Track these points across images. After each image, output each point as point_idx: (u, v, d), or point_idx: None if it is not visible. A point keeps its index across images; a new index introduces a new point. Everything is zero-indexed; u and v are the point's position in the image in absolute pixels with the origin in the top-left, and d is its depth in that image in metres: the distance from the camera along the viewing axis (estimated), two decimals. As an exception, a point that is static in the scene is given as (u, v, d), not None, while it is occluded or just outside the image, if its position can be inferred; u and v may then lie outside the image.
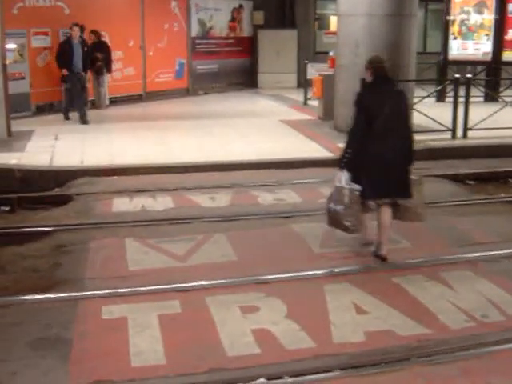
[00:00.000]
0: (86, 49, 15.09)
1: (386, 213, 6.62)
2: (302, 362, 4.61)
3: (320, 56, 19.99)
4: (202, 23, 21.17)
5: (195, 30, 20.92)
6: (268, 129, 14.02)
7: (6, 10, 13.70)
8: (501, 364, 4.65)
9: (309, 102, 17.53)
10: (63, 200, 9.16)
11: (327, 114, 14.73)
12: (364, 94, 6.90)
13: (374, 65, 6.60)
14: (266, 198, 8.94)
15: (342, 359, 4.67)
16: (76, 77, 14.78)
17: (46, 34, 15.98)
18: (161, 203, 8.76)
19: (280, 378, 4.42)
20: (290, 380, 4.41)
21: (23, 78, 15.34)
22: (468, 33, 19.96)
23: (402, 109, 6.67)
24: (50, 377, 4.46)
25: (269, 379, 4.38)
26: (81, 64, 14.83)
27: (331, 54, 15.79)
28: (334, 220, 6.56)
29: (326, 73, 15.60)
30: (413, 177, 6.60)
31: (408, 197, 6.54)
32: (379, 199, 6.62)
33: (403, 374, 4.48)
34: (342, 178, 6.43)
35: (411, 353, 4.75)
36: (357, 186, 6.42)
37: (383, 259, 6.54)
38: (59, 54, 14.88)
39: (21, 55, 15.33)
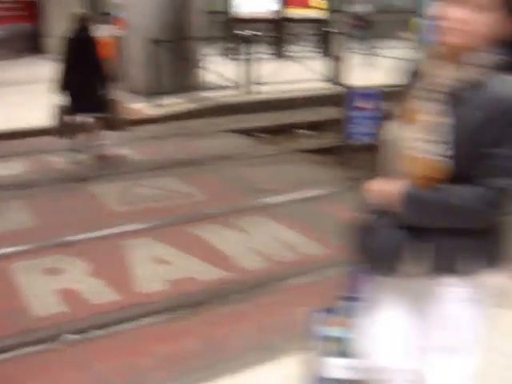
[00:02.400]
0: None
1: None
2: (108, 315, 4.72)
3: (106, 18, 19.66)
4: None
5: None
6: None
7: None
8: (291, 296, 4.99)
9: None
10: None
11: (121, 75, 14.62)
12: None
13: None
14: (61, 162, 8.84)
15: (148, 307, 4.82)
16: None
17: None
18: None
19: (87, 331, 4.51)
20: (99, 332, 4.50)
21: None
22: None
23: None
24: None
25: (76, 334, 4.46)
26: None
27: (119, 15, 15.61)
28: None
29: (116, 34, 15.41)
30: None
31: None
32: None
33: (205, 315, 4.71)
34: None
35: (213, 295, 5.00)
36: None
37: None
38: None
39: None
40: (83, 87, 8.47)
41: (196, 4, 13.52)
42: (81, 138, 8.81)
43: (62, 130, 8.66)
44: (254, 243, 6.02)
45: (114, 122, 8.76)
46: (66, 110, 8.56)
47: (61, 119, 8.57)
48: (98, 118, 8.71)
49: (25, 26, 21.53)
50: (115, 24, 15.79)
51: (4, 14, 20.86)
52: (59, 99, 8.53)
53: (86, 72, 8.52)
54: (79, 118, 8.67)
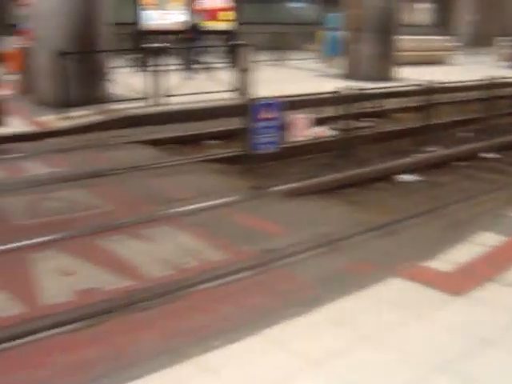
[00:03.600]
0: None
1: None
2: (12, 328, 4.71)
3: (11, 29, 19.34)
4: None
5: None
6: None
7: None
8: (196, 302, 5.11)
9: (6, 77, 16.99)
10: None
11: (29, 88, 14.47)
12: None
13: None
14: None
15: (52, 319, 4.82)
16: None
17: None
18: None
19: (-11, 345, 4.50)
20: (1, 346, 4.49)
21: None
22: (164, 3, 20.70)
23: None
24: None
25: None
26: None
27: (25, 26, 15.40)
28: None
29: (23, 46, 15.22)
30: None
31: None
32: None
33: (108, 325, 4.75)
34: None
35: (119, 303, 5.05)
36: None
37: None
38: None
39: None
40: None
41: (104, 16, 13.51)
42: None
43: None
44: (160, 252, 6.09)
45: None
46: None
47: None
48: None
49: None
50: (21, 35, 15.60)
51: None
52: None
53: None
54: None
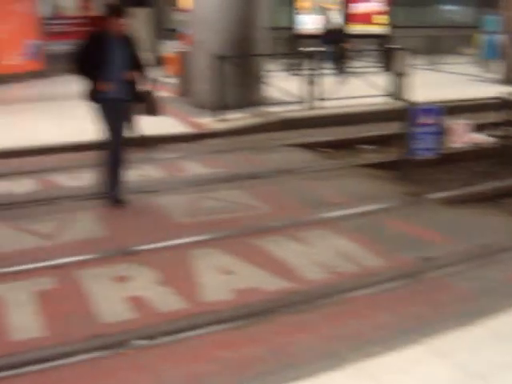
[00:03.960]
0: None
1: None
2: (176, 322, 4.88)
3: (170, 33, 20.01)
4: (52, 3, 20.75)
5: (46, 10, 20.48)
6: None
7: None
8: (354, 308, 5.10)
9: (166, 79, 17.62)
10: None
11: (187, 90, 14.93)
12: None
13: None
14: (129, 174, 9.06)
15: (214, 316, 4.96)
16: None
17: None
18: (22, 185, 8.73)
19: (155, 338, 4.67)
20: (166, 339, 4.67)
21: None
22: (318, 8, 20.76)
23: None
24: None
25: (145, 340, 4.64)
26: None
27: (184, 31, 15.93)
28: None
29: (182, 50, 15.75)
30: None
31: None
32: None
33: (270, 324, 4.84)
34: None
35: (278, 304, 5.12)
36: None
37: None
38: None
39: None
40: None
41: (261, 20, 13.72)
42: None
43: None
44: (316, 255, 6.12)
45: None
46: None
47: None
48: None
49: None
50: (181, 40, 16.13)
51: (73, 30, 21.43)
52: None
53: None
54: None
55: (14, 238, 6.77)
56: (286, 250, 6.25)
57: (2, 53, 18.86)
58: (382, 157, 10.46)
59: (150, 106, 8.36)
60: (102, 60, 7.29)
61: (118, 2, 7.78)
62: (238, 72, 13.02)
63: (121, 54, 7.37)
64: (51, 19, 20.74)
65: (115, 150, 7.60)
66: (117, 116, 7.53)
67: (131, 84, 7.54)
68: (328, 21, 19.67)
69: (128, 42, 7.49)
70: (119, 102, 7.49)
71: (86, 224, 7.15)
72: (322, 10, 18.83)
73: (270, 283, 5.53)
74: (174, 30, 17.21)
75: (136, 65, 7.56)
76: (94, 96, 7.42)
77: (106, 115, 7.47)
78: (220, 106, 12.55)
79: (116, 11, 7.31)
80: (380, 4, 21.88)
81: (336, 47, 19.26)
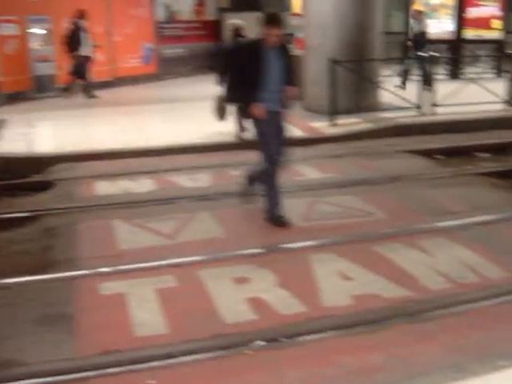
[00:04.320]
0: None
1: None
2: (295, 325, 4.92)
3: (287, 38, 20.05)
4: (167, 7, 21.25)
5: (161, 14, 21.01)
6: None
7: None
8: (476, 319, 4.99)
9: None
10: (44, 186, 9.34)
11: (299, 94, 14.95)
12: None
13: None
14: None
15: (333, 320, 4.98)
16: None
17: (12, 21, 16.11)
18: (142, 185, 9.00)
19: (276, 340, 4.73)
20: (287, 341, 4.71)
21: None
22: (431, 12, 20.43)
23: None
24: (58, 350, 4.68)
25: (266, 341, 4.69)
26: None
27: (299, 35, 15.96)
28: None
29: (297, 54, 15.77)
30: None
31: None
32: None
33: (390, 332, 4.81)
34: None
35: (397, 312, 5.09)
36: None
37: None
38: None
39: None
40: None
41: (376, 24, 13.61)
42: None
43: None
44: (436, 264, 6.03)
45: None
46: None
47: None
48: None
49: (204, 45, 22.44)
50: (296, 44, 16.16)
51: (186, 34, 21.89)
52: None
53: None
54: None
55: (137, 236, 6.99)
56: (404, 257, 6.19)
57: (119, 56, 19.49)
58: (500, 165, 10.19)
59: None
60: (257, 72, 6.89)
61: (274, 10, 7.59)
62: (351, 77, 12.96)
63: (277, 65, 6.96)
64: (165, 23, 21.23)
65: (273, 166, 7.21)
66: (274, 129, 7.16)
67: (284, 94, 7.17)
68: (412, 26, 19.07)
69: (283, 53, 7.07)
70: (275, 114, 7.13)
71: (205, 224, 7.30)
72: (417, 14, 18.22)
73: (389, 290, 5.49)
74: (291, 35, 17.22)
75: (290, 76, 7.17)
76: (248, 111, 7.03)
77: (263, 129, 7.09)
78: (332, 111, 12.52)
79: (273, 20, 6.86)
80: (495, 9, 21.32)
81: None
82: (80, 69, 16.41)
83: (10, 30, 16.12)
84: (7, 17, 15.95)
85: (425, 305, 5.21)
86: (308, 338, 4.77)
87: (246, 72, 6.88)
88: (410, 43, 17.20)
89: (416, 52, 16.11)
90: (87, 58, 16.56)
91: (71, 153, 10.66)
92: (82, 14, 16.24)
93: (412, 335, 4.74)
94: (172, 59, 21.36)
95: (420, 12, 17.59)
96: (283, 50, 7.06)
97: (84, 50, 16.30)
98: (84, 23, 16.32)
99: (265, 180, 7.33)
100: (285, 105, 7.25)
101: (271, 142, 7.12)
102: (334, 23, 13.21)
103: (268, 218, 7.29)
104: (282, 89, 7.05)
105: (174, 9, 21.62)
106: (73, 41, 16.10)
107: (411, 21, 18.11)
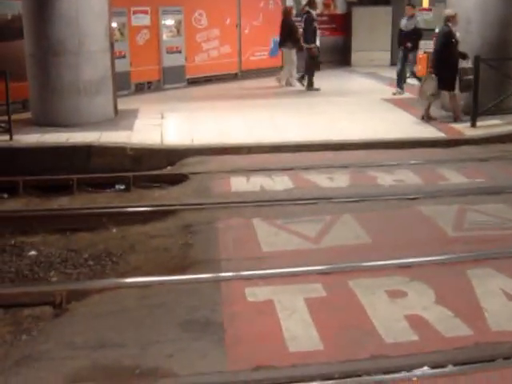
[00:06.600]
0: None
1: None
2: (463, 351, 4.48)
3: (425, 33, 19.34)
4: (296, 1, 20.93)
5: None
6: (372, 107, 13.85)
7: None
8: None
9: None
10: (177, 179, 9.21)
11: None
12: None
13: None
14: (384, 179, 8.78)
15: (504, 348, 4.52)
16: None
17: (145, 12, 16.18)
18: (279, 183, 8.72)
19: (443, 366, 4.31)
20: (455, 369, 4.29)
21: (124, 57, 15.58)
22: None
23: None
24: (207, 360, 4.43)
25: (432, 368, 4.29)
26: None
27: (436, 30, 15.27)
28: None
29: (430, 50, 15.15)
30: None
31: None
32: None
33: None
34: None
35: None
36: None
37: None
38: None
39: (121, 34, 15.60)
40: None
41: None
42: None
43: None
44: None
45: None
46: None
47: None
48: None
49: (337, 38, 22.06)
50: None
51: (319, 27, 21.51)
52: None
53: None
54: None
55: (279, 238, 6.73)
56: None
57: (250, 49, 19.40)
58: None
59: None
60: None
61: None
62: (493, 75, 12.23)
63: None
64: (295, 16, 20.88)
65: None
66: None
67: None
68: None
69: None
70: None
71: (349, 228, 6.95)
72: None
73: None
74: (432, 30, 16.49)
75: None
76: None
77: None
78: (473, 111, 11.86)
79: None
80: None
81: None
82: (315, 61, 16.31)
83: (143, 20, 16.21)
84: (141, 7, 16.03)
85: None
86: (476, 366, 4.33)
87: None
88: None
89: None
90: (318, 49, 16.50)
91: (204, 146, 10.51)
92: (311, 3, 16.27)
93: None
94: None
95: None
96: None
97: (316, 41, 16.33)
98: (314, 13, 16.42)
99: None
100: None
101: None
102: (479, 18, 12.52)
103: None
104: None
105: (304, 2, 21.25)
106: (308, 32, 16.06)
107: None
